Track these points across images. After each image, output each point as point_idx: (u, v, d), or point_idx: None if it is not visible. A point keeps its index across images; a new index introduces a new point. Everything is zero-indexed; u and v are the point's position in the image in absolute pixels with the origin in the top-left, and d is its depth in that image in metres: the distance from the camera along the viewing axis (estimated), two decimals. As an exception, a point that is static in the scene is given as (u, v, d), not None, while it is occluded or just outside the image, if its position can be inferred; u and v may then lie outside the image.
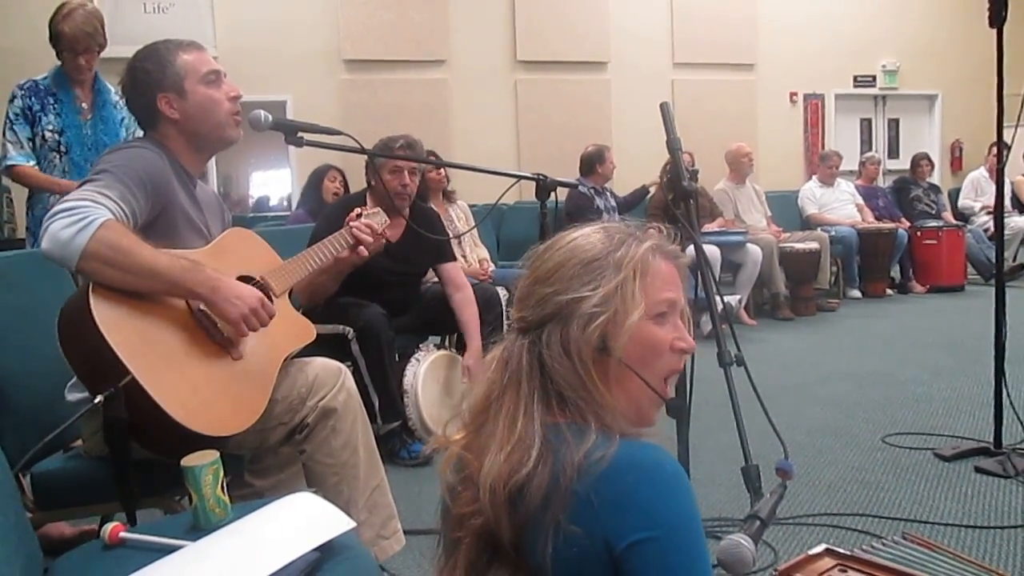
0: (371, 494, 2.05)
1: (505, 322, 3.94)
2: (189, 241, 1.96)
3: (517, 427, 1.03)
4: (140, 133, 3.15)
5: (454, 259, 3.69)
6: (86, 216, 1.66)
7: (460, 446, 1.11)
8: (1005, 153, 3.04)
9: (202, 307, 1.84)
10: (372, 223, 2.58)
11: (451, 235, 4.22)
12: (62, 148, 3.05)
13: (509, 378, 1.08)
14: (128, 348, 1.66)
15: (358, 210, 2.71)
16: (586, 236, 1.11)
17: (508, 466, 1.00)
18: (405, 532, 2.55)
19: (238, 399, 1.84)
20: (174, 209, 1.95)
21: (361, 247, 2.49)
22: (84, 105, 3.13)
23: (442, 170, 4.90)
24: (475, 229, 5.07)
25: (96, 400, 1.63)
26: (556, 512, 0.95)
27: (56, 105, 3.07)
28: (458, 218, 4.91)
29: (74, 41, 3.03)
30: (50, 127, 3.03)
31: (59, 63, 3.14)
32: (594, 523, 0.94)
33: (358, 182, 5.37)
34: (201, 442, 1.67)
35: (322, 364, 2.06)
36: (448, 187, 5.06)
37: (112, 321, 1.67)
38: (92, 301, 1.67)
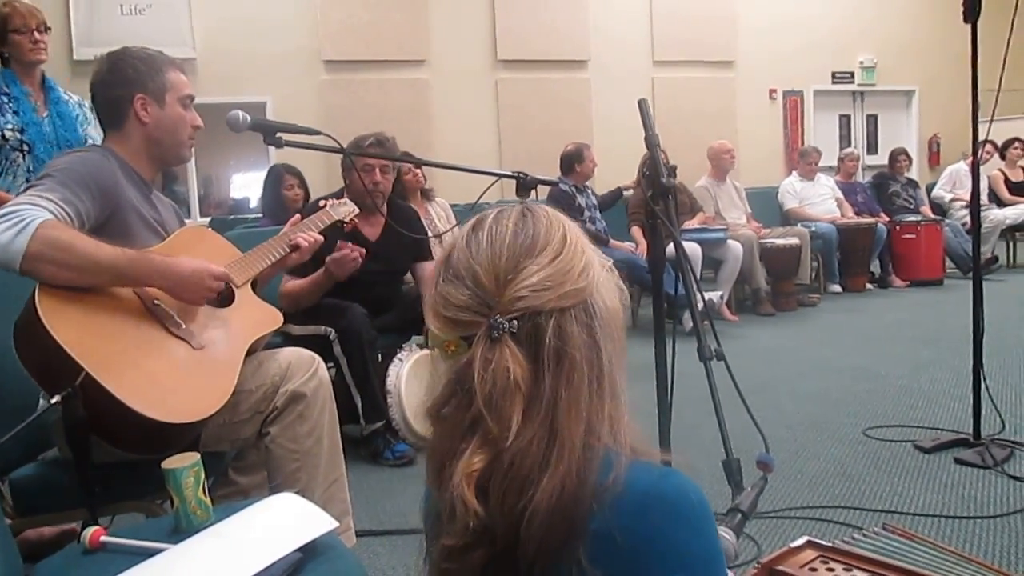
0: (329, 487, 2.06)
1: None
2: (146, 240, 1.97)
3: (581, 428, 0.89)
4: (97, 129, 3.13)
5: (432, 258, 3.68)
6: (23, 218, 1.67)
7: (479, 467, 0.90)
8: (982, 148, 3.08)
9: (156, 301, 1.84)
10: (331, 214, 2.59)
11: (430, 234, 4.22)
12: (24, 147, 2.96)
13: (566, 366, 0.91)
14: (80, 346, 1.65)
15: (323, 201, 2.70)
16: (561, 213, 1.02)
17: (559, 489, 0.86)
18: (390, 532, 2.57)
19: (201, 386, 1.83)
20: (126, 210, 1.95)
21: (301, 254, 2.43)
22: (38, 102, 3.05)
23: (418, 171, 4.83)
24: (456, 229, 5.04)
25: (54, 400, 1.61)
26: (575, 549, 0.86)
27: (11, 103, 2.97)
28: (438, 216, 4.89)
29: (29, 16, 2.98)
30: (9, 126, 2.94)
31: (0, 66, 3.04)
32: (616, 564, 0.87)
33: (331, 182, 5.33)
34: (170, 434, 1.66)
35: (295, 352, 2.08)
36: (425, 186, 5.00)
37: (61, 321, 1.66)
38: (39, 303, 1.66)
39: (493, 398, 0.89)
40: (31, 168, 2.96)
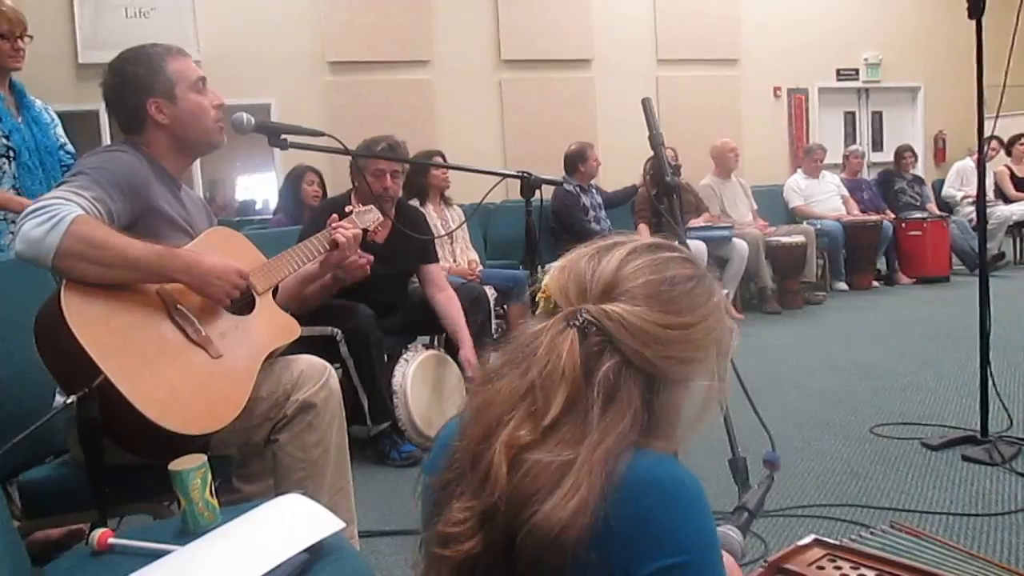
0: (334, 496, 2.05)
1: (493, 321, 3.94)
2: (174, 240, 1.95)
3: (602, 472, 0.89)
4: (64, 136, 3.10)
5: (437, 260, 3.69)
6: (56, 214, 1.66)
7: (525, 441, 0.92)
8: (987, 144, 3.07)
9: (179, 305, 1.84)
10: (356, 222, 2.60)
11: (439, 234, 4.22)
12: (11, 153, 2.90)
13: (612, 411, 0.92)
14: (101, 348, 1.65)
15: (349, 207, 2.71)
16: (714, 291, 1.02)
17: (564, 522, 0.86)
18: (396, 533, 2.57)
19: (217, 396, 1.83)
20: (156, 211, 1.94)
21: (341, 250, 2.49)
22: (11, 107, 2.98)
23: (447, 172, 4.92)
24: (466, 234, 5.07)
25: (68, 400, 1.61)
26: (566, 564, 0.87)
27: None
28: (453, 221, 4.92)
29: (15, 23, 2.90)
30: None
31: None
32: (611, 549, 0.88)
33: (336, 183, 5.38)
34: (180, 441, 1.66)
35: (308, 361, 2.07)
36: (448, 190, 5.09)
37: (85, 321, 1.66)
38: (64, 301, 1.66)
39: (545, 374, 0.93)
40: (16, 175, 2.91)
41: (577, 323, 0.95)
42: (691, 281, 1.00)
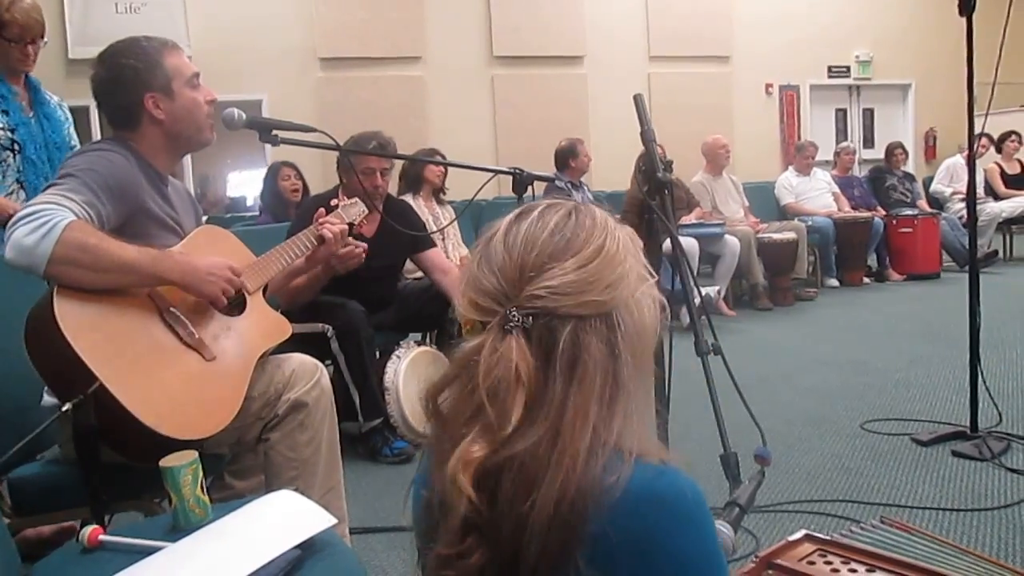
0: (325, 495, 2.04)
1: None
2: (162, 241, 1.94)
3: (587, 437, 0.88)
4: (76, 138, 3.09)
5: (433, 245, 3.69)
6: (49, 220, 1.64)
7: (479, 456, 0.89)
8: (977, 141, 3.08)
9: (172, 308, 1.83)
10: (343, 216, 2.60)
11: (429, 230, 4.21)
12: (16, 147, 2.88)
13: (579, 374, 0.90)
14: (95, 354, 1.63)
15: (335, 201, 2.71)
16: (587, 209, 0.99)
17: (559, 494, 0.85)
18: (388, 529, 2.57)
19: (211, 401, 1.82)
20: (145, 212, 1.93)
21: (328, 245, 2.49)
22: (23, 103, 2.96)
23: (442, 169, 4.95)
24: (458, 230, 5.08)
25: (64, 408, 1.60)
26: (573, 549, 0.85)
27: (1, 103, 2.87)
28: (444, 219, 4.92)
29: (26, 29, 2.86)
30: (0, 125, 2.85)
31: None
32: (613, 565, 0.86)
33: (327, 177, 5.37)
34: (175, 444, 1.66)
35: (299, 360, 2.06)
36: (445, 188, 5.09)
37: (78, 327, 1.64)
38: (56, 307, 1.64)
39: (495, 388, 0.88)
40: (20, 169, 2.89)
41: (515, 324, 0.90)
42: (569, 216, 0.97)
